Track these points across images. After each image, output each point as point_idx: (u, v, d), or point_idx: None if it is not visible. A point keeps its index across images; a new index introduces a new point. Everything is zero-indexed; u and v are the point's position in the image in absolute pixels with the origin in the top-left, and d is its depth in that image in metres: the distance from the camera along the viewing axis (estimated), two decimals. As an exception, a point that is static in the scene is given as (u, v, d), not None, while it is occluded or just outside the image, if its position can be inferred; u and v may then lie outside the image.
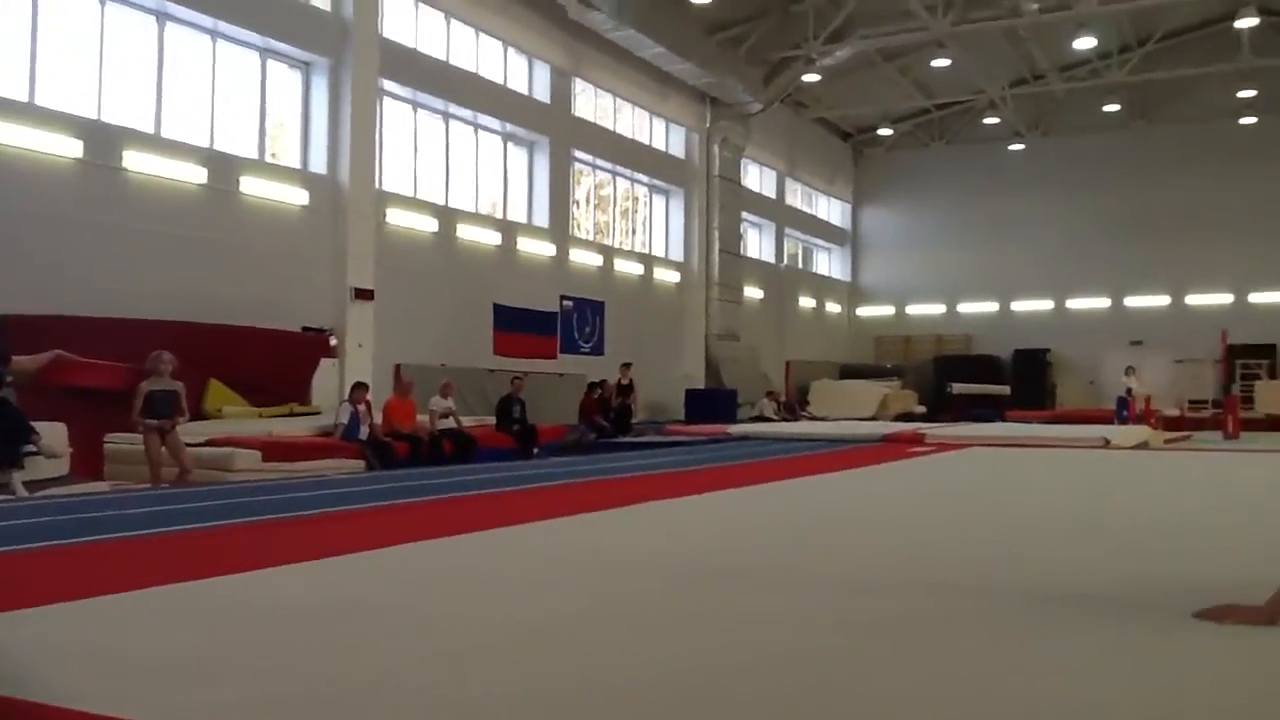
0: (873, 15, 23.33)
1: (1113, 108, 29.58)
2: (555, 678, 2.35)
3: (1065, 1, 21.61)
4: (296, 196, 15.31)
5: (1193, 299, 29.87)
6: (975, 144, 32.24)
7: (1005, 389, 27.91)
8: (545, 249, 20.54)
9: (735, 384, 24.09)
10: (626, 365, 18.62)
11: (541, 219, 20.62)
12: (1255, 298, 29.23)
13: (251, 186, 14.63)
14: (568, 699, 2.18)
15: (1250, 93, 27.87)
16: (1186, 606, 2.91)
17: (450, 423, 13.13)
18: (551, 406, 17.46)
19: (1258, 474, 9.31)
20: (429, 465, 10.74)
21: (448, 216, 18.24)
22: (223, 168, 14.24)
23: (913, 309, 33.68)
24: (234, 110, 14.98)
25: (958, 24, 22.57)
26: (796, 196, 31.76)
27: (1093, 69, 28.23)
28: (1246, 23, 23.19)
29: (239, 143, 14.88)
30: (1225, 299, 29.36)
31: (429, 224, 17.79)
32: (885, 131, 32.46)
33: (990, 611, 3.09)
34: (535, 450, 13.87)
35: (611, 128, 23.04)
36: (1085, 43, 24.23)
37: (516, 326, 19.12)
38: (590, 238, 22.72)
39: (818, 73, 25.73)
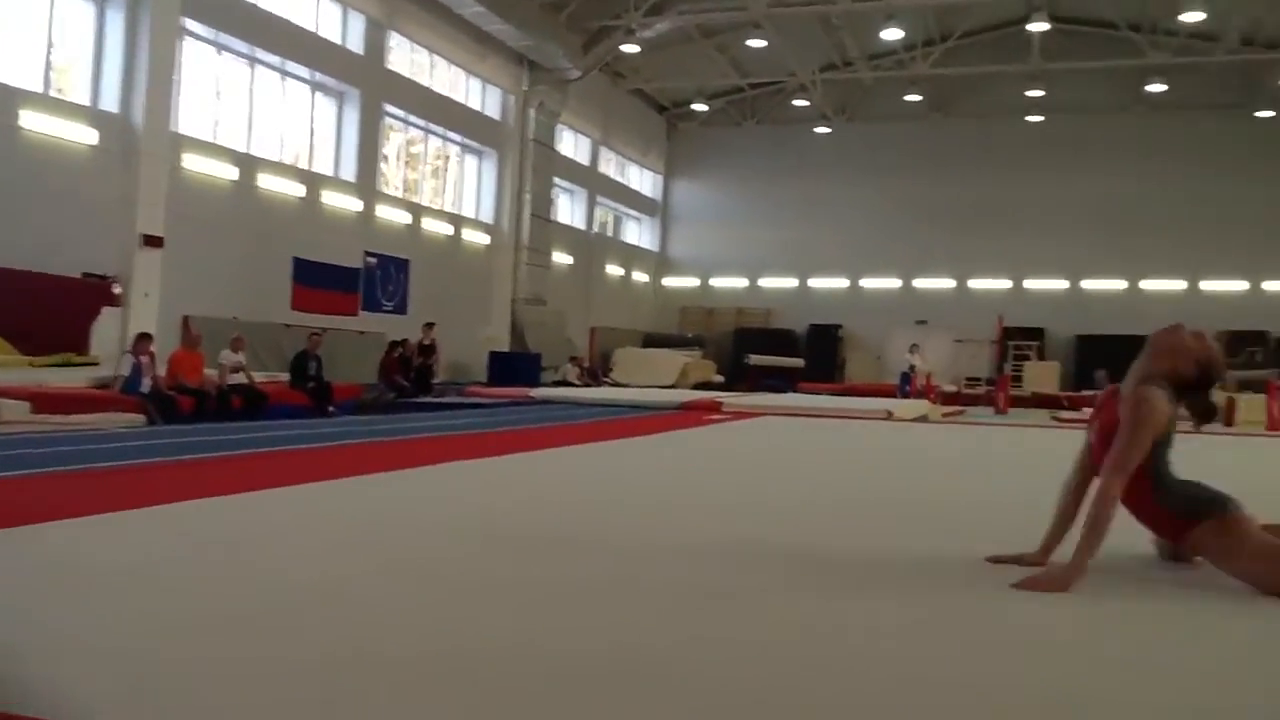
0: (692, -10, 23.69)
1: (914, 98, 30.97)
2: (327, 643, 2.28)
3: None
4: (84, 135, 14.45)
5: (974, 283, 31.77)
6: (785, 125, 33.19)
7: (799, 362, 29.02)
8: (351, 203, 20.05)
9: (540, 348, 24.17)
10: (429, 325, 18.42)
11: (348, 172, 20.11)
12: (1029, 284, 31.36)
13: (33, 122, 13.75)
14: (339, 665, 2.12)
15: (1038, 93, 29.70)
16: (942, 569, 3.20)
17: (240, 378, 12.74)
18: (350, 365, 17.14)
19: (1019, 446, 10.03)
20: (216, 421, 10.40)
21: (249, 165, 17.57)
22: (1, 100, 13.31)
23: (717, 281, 34.53)
24: (17, 40, 13.99)
25: (774, 6, 23.19)
26: (610, 165, 31.98)
27: (898, 60, 29.51)
28: (1037, 27, 24.67)
29: (21, 75, 13.92)
30: (1003, 285, 31.39)
31: (228, 171, 17.10)
32: (700, 107, 33.00)
33: (789, 572, 3.28)
34: (331, 409, 13.59)
35: (427, 84, 22.61)
36: (893, 34, 25.25)
37: (317, 281, 18.64)
38: (399, 195, 22.29)
39: (637, 44, 25.93)
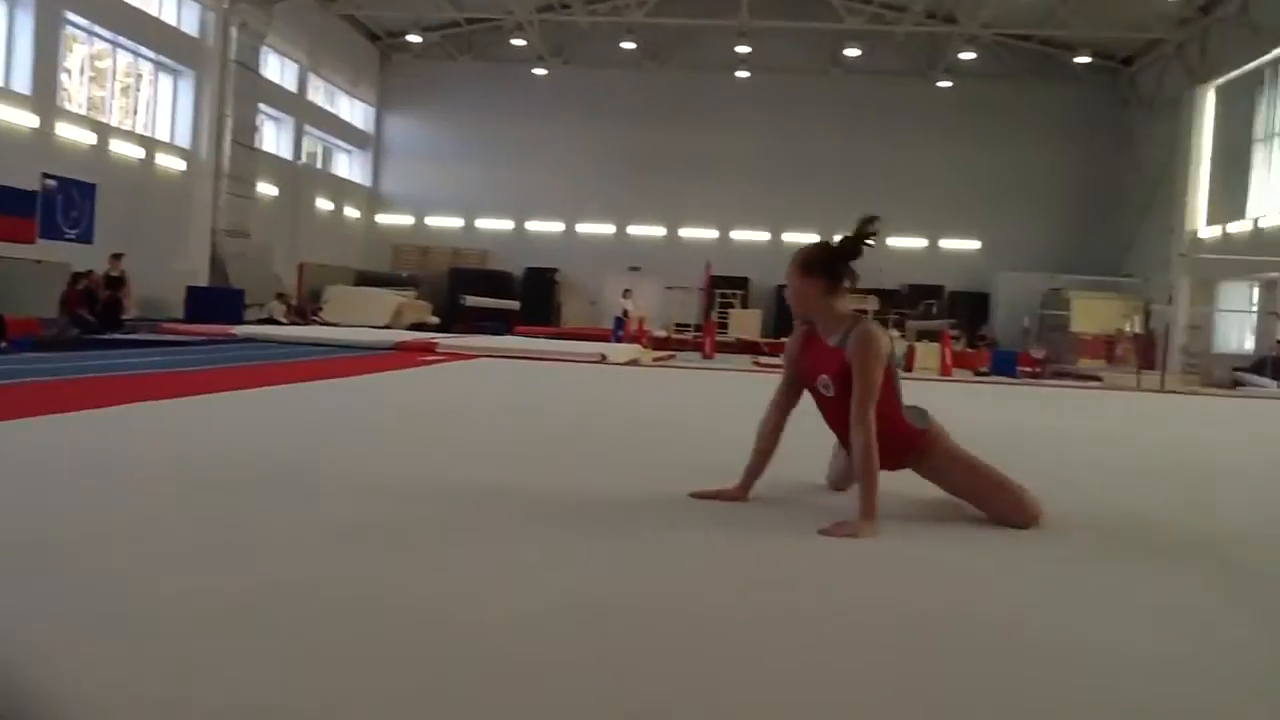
0: (406, -84, 22.91)
1: (629, 45, 31.42)
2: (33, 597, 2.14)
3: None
4: None
5: (685, 232, 32.87)
6: (502, 63, 32.85)
7: (515, 304, 29.09)
8: (25, 119, 18.18)
9: (243, 283, 22.97)
10: (117, 256, 17.11)
11: (22, 84, 18.20)
12: (735, 235, 32.79)
13: None
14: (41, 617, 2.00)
15: (746, 49, 30.86)
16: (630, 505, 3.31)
17: (-107, 309, 11.37)
18: (28, 297, 15.64)
19: (723, 389, 10.51)
20: None
21: (-103, 69, 15.57)
22: None
23: (432, 220, 33.95)
24: None
25: (490, -61, 22.77)
26: (319, 94, 30.61)
27: (614, 6, 29.83)
28: (745, -16, 25.59)
29: None
30: (711, 234, 32.66)
31: None
32: (414, 38, 32.09)
33: (488, 511, 3.28)
34: (3, 344, 12.40)
35: (113, -8, 20.76)
36: (608, -22, 25.49)
37: (-15, 205, 16.83)
38: (83, 112, 20.41)
39: (347, -33, 24.87)
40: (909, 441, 3.42)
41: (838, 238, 3.35)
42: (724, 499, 3.46)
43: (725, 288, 29.10)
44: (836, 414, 3.38)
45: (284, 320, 21.27)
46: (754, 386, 10.89)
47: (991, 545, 3.04)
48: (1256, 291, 23.89)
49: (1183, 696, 1.85)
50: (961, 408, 9.25)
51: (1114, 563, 2.91)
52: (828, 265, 3.35)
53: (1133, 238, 30.19)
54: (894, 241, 32.47)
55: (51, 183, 18.53)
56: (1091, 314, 24.39)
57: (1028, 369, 18.41)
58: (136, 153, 21.58)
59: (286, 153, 28.68)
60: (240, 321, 19.22)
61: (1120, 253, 30.79)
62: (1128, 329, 22.45)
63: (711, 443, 5.44)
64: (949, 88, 31.78)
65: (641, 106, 32.40)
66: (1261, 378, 18.25)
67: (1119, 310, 24.34)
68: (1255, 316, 23.44)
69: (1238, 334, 24.53)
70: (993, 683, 1.87)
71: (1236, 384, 18.24)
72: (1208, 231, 25.76)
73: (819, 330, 3.41)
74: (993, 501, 3.34)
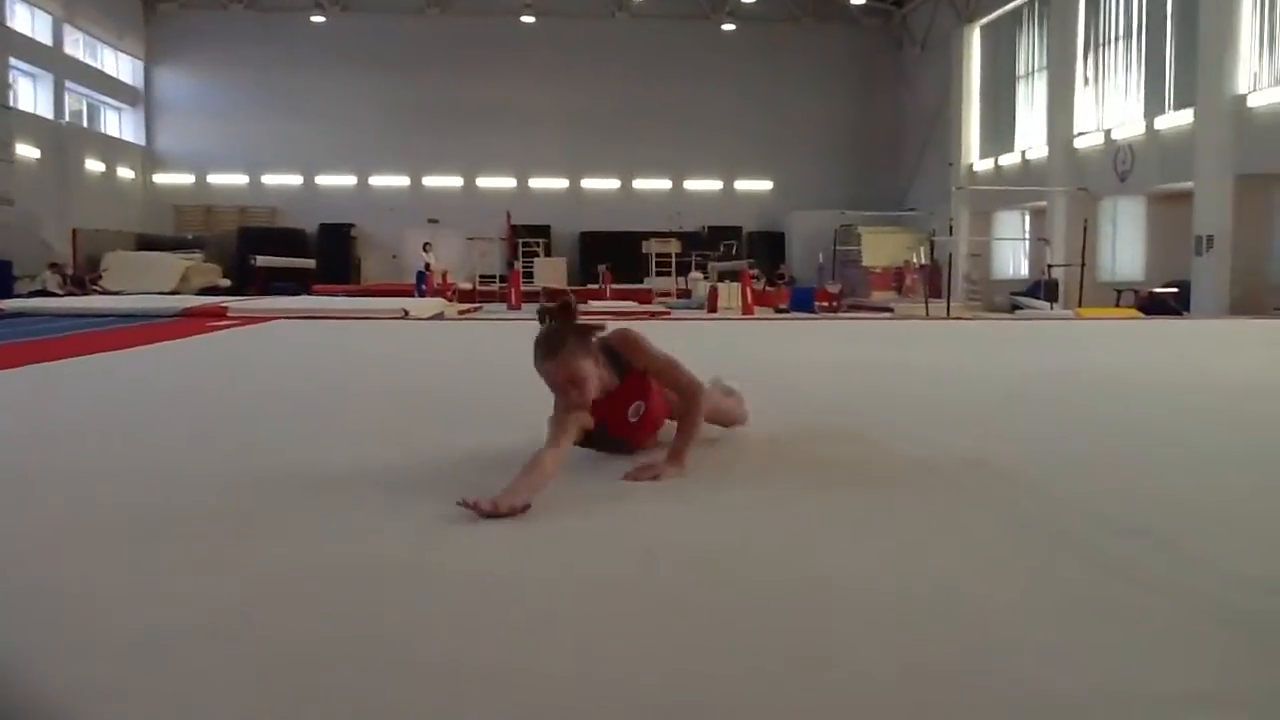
0: None
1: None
2: None
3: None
4: None
5: (483, 181, 32.42)
6: (277, 11, 31.40)
7: (310, 263, 28.05)
8: None
9: (9, 255, 21.33)
10: None
11: None
12: (534, 183, 32.61)
13: None
14: None
15: (531, -8, 30.53)
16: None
17: None
18: None
19: (527, 337, 10.43)
20: None
21: None
22: None
23: (215, 179, 32.30)
24: None
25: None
26: (79, 47, 28.50)
27: (395, -53, 28.85)
28: (528, -75, 25.19)
29: None
30: (509, 183, 32.33)
31: None
32: (181, -13, 30.28)
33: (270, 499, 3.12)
34: None
35: None
36: (386, -80, 24.54)
37: None
38: None
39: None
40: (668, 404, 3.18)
41: (548, 308, 2.93)
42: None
43: (527, 237, 28.89)
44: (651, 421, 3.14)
45: (59, 292, 19.89)
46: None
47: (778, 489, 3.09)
48: (1028, 219, 25.42)
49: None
50: (766, 346, 9.49)
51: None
52: (579, 331, 2.89)
53: (914, 173, 31.62)
54: (691, 185, 33.04)
55: None
56: (880, 248, 25.46)
57: (825, 304, 19.06)
58: None
59: (47, 111, 26.63)
60: (10, 295, 17.85)
61: (904, 188, 32.22)
62: (914, 260, 23.54)
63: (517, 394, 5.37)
64: (733, 30, 32.27)
65: (429, 54, 31.57)
66: (1036, 300, 19.47)
67: (905, 243, 25.50)
68: (1027, 243, 24.95)
69: (1014, 260, 26.09)
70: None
71: (1015, 308, 19.41)
72: (981, 165, 27.20)
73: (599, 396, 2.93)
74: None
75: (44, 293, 19.56)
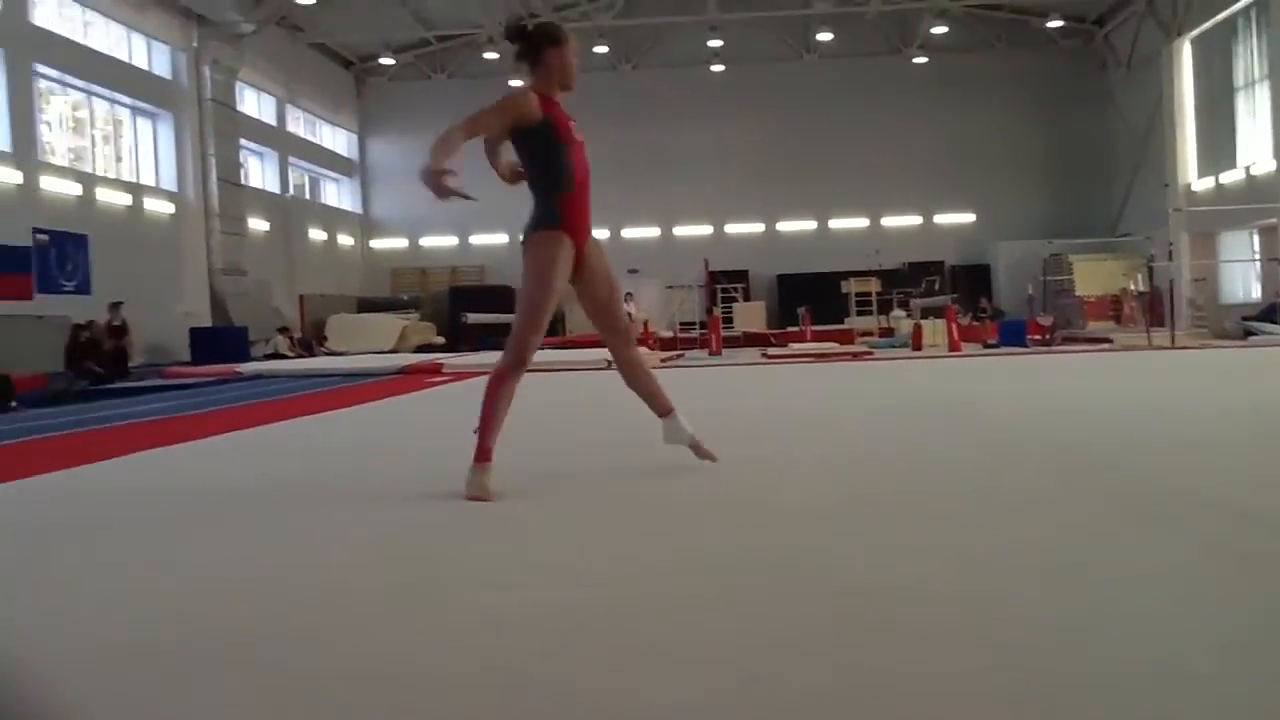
0: (367, -62, 22.86)
1: (601, 49, 31.34)
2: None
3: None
4: None
5: (679, 230, 32.80)
6: (477, 78, 32.75)
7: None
8: (9, 176, 18.10)
9: (245, 321, 22.93)
10: (116, 305, 17.05)
11: (1, 142, 18.13)
12: (729, 228, 32.75)
13: None
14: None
15: (718, 43, 30.82)
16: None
17: (-102, 377, 11.33)
18: (31, 353, 15.54)
19: (729, 384, 10.42)
20: None
21: (-122, 137, 15.48)
22: None
23: (426, 241, 33.87)
24: None
25: (450, -44, 22.70)
26: (299, 124, 30.55)
27: (583, 11, 29.78)
28: (714, -24, 25.52)
29: None
30: (706, 230, 32.60)
31: None
32: (387, 61, 32.01)
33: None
34: (13, 403, 12.33)
35: (82, 40, 20.66)
36: (576, -16, 25.31)
37: (-22, 264, 16.75)
38: (66, 164, 20.35)
39: (311, -5, 24.81)
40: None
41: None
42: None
43: (725, 282, 28.99)
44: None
45: (289, 354, 21.22)
46: (763, 377, 10.82)
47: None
48: (1257, 239, 23.78)
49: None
50: (975, 384, 9.17)
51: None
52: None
53: (1127, 196, 30.12)
54: (889, 221, 32.48)
55: (43, 237, 18.45)
56: (1094, 276, 24.32)
57: (1037, 337, 18.31)
58: (124, 199, 21.52)
59: (274, 186, 28.61)
60: (247, 359, 19.16)
61: (1116, 212, 30.73)
62: (1132, 288, 22.35)
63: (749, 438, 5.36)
64: (925, 63, 31.69)
65: (621, 109, 32.27)
66: (1272, 325, 18.16)
67: (1120, 270, 24.26)
68: (1258, 264, 23.34)
69: (1243, 283, 24.41)
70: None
71: (1248, 334, 18.16)
72: (1201, 184, 25.65)
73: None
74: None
75: (276, 355, 20.92)
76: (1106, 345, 16.73)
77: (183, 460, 5.52)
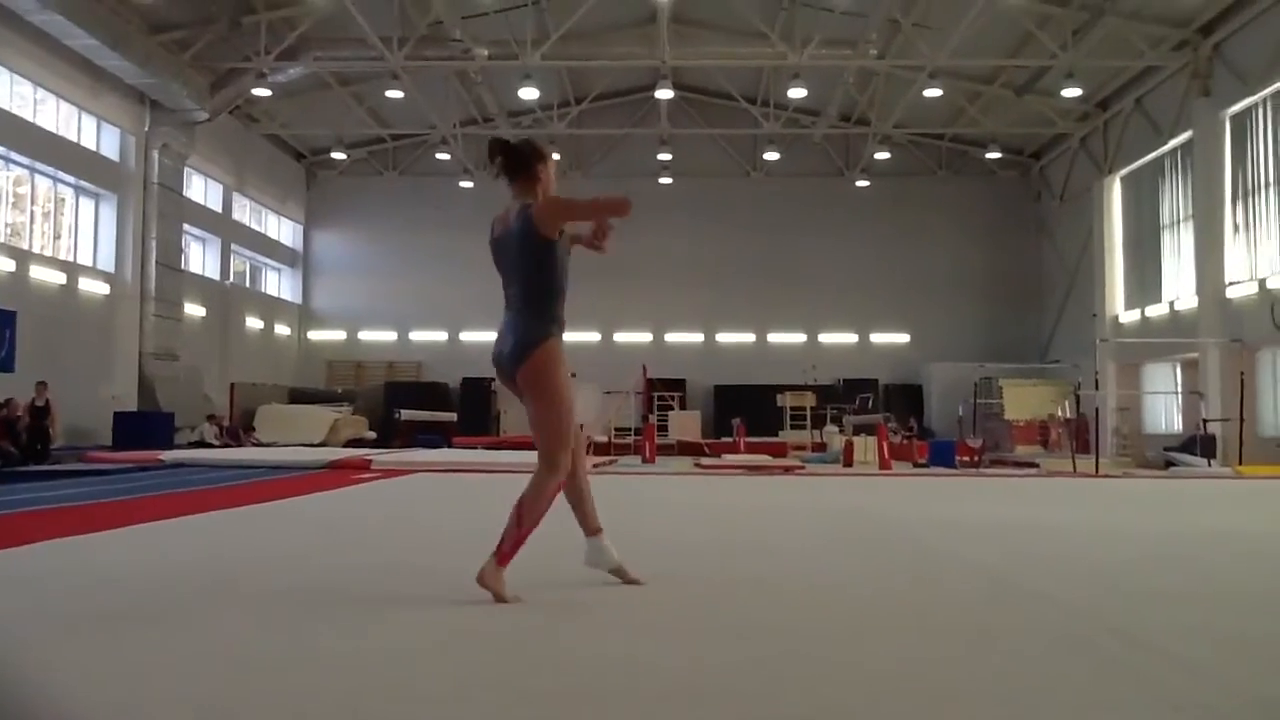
0: (327, 39, 23.19)
1: (554, 156, 31.70)
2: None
3: (512, 51, 22.92)
4: None
5: (619, 336, 33.00)
6: (428, 176, 33.09)
7: (452, 416, 28.81)
8: (-59, 249, 17.82)
9: (173, 407, 22.52)
10: (42, 384, 16.66)
11: (-63, 215, 17.87)
12: (670, 338, 33.03)
13: None
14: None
15: (668, 156, 31.49)
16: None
17: None
18: (-57, 431, 15.14)
19: (661, 493, 10.38)
20: None
21: None
22: None
23: (365, 335, 33.71)
24: None
25: (411, 59, 23.08)
26: (245, 212, 30.49)
27: (536, 118, 30.31)
28: (664, 94, 26.07)
29: None
30: (645, 338, 32.85)
31: None
32: (339, 155, 32.20)
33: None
34: (-82, 481, 11.90)
35: (31, 118, 20.58)
36: (529, 93, 25.60)
37: (-101, 338, 16.37)
38: (1, 239, 20.05)
39: (269, 88, 24.99)
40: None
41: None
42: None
43: (663, 390, 29.10)
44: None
45: (215, 442, 20.84)
46: (695, 488, 10.80)
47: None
48: (1179, 372, 24.49)
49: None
50: (903, 505, 9.24)
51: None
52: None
53: (1057, 324, 30.95)
54: (826, 337, 32.99)
55: (-32, 311, 18.09)
56: (1023, 400, 24.76)
57: (966, 458, 18.54)
58: (58, 278, 21.21)
59: (214, 272, 28.40)
60: (171, 446, 18.79)
61: (1046, 339, 31.53)
62: (1059, 414, 22.81)
63: (644, 547, 5.32)
64: (868, 186, 32.60)
65: (570, 215, 32.67)
66: (1192, 456, 18.57)
67: (1049, 396, 24.75)
68: (1179, 397, 23.98)
69: (1165, 414, 25.05)
70: None
71: (1169, 464, 18.54)
72: (1127, 315, 26.45)
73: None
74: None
75: (202, 444, 20.52)
76: (1033, 470, 16.97)
77: (88, 551, 5.34)
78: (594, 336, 33.10)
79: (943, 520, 7.45)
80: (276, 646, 3.03)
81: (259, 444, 22.05)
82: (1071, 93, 24.39)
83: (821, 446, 22.27)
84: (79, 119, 22.18)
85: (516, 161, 4.16)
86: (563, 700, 2.49)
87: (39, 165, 20.95)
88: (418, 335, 33.38)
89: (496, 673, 2.76)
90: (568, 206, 4.03)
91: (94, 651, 2.96)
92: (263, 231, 31.63)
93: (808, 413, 25.33)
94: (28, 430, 16.02)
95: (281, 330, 32.44)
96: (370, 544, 5.91)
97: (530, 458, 12.63)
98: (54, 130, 21.24)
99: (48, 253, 21.42)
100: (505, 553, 3.81)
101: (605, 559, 4.19)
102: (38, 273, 20.55)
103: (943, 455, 18.50)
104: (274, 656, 2.90)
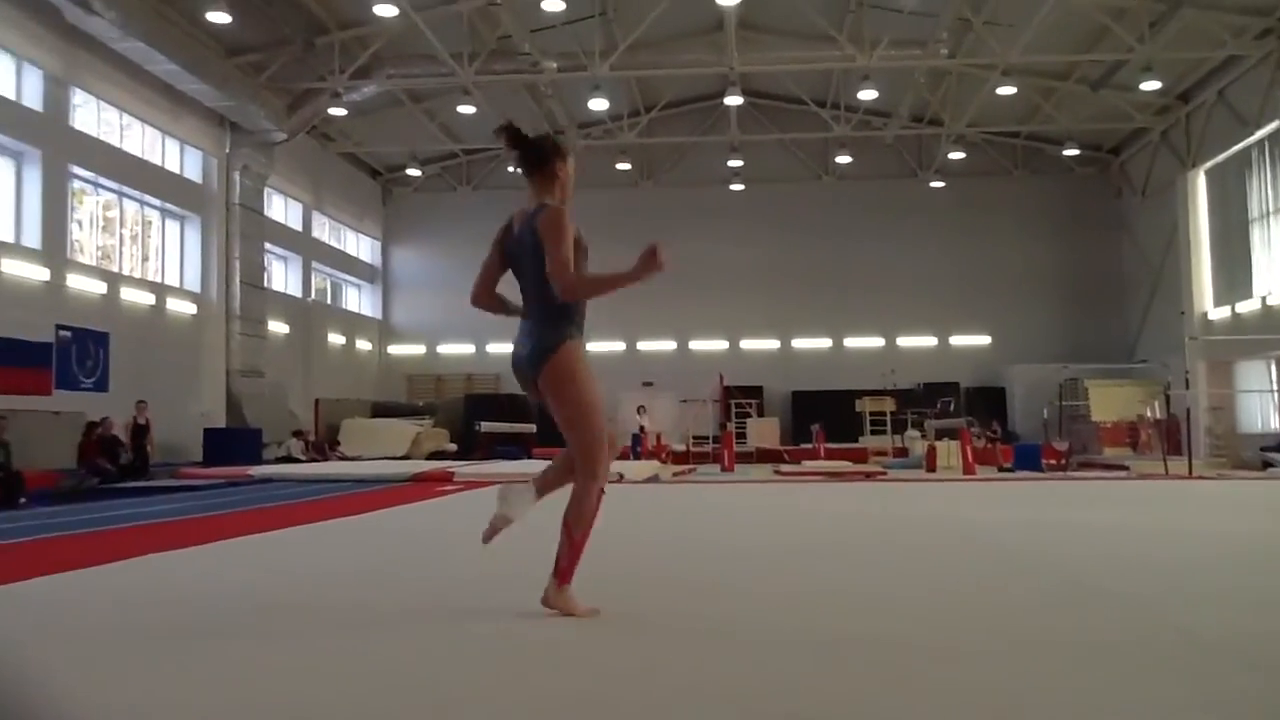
0: (399, 56, 23.54)
1: (624, 166, 31.94)
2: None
3: (581, 63, 23.05)
4: None
5: (695, 344, 32.95)
6: (501, 190, 33.36)
7: (532, 427, 28.98)
8: (36, 273, 18.37)
9: (260, 423, 22.97)
10: (142, 403, 17.09)
11: (32, 239, 18.45)
12: (746, 344, 32.88)
13: None
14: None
15: (739, 163, 31.36)
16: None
17: (-91, 471, 11.35)
18: (46, 449, 15.61)
19: (745, 502, 10.31)
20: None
21: (-90, 231, 15.79)
22: None
23: (444, 348, 34.09)
24: None
25: (482, 74, 23.33)
26: (324, 230, 31.06)
27: (607, 129, 30.43)
28: (733, 101, 25.98)
29: None
30: (721, 345, 32.75)
31: (-115, 240, 15.30)
32: (414, 172, 32.68)
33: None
34: (22, 499, 12.31)
35: (118, 144, 21.21)
36: (599, 104, 25.76)
37: (0, 358, 16.92)
38: (93, 263, 20.68)
39: (344, 107, 25.44)
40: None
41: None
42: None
43: (740, 397, 28.99)
44: None
45: (302, 457, 21.21)
46: (776, 496, 10.71)
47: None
48: (1273, 369, 23.71)
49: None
50: (988, 510, 9.05)
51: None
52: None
53: (1143, 322, 30.19)
54: (904, 341, 32.57)
55: (65, 334, 18.68)
56: (1110, 402, 24.22)
57: (1052, 462, 18.16)
58: (147, 299, 21.80)
59: (296, 290, 28.96)
60: (259, 461, 19.16)
61: (1132, 338, 30.76)
62: (1149, 415, 22.24)
63: (725, 558, 5.27)
64: (942, 187, 32.14)
65: (641, 224, 32.59)
66: (1290, 456, 17.98)
67: (1137, 396, 24.17)
68: (1276, 395, 23.21)
69: (1260, 413, 24.25)
70: None
71: (1267, 465, 17.96)
72: (1217, 312, 25.69)
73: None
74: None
75: (289, 459, 20.90)
76: (1123, 473, 16.56)
77: (183, 566, 5.46)
78: (669, 345, 33.13)
79: (1033, 523, 7.29)
80: (358, 659, 3.05)
81: (344, 458, 22.41)
82: (1150, 86, 23.83)
83: (903, 452, 22.01)
84: (163, 143, 22.78)
85: (535, 156, 3.96)
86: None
87: (127, 189, 21.55)
88: (495, 347, 33.64)
89: (574, 686, 2.75)
90: (594, 285, 3.89)
91: (170, 665, 3.01)
92: (342, 249, 32.19)
93: (888, 417, 25.05)
94: (130, 449, 16.43)
95: (362, 345, 32.96)
96: (454, 557, 5.95)
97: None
98: (140, 155, 21.85)
99: (136, 274, 22.03)
100: (564, 569, 3.72)
101: (517, 505, 3.95)
102: (128, 294, 21.14)
103: (1028, 459, 18.16)
104: (355, 669, 2.92)
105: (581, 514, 3.75)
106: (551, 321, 3.82)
